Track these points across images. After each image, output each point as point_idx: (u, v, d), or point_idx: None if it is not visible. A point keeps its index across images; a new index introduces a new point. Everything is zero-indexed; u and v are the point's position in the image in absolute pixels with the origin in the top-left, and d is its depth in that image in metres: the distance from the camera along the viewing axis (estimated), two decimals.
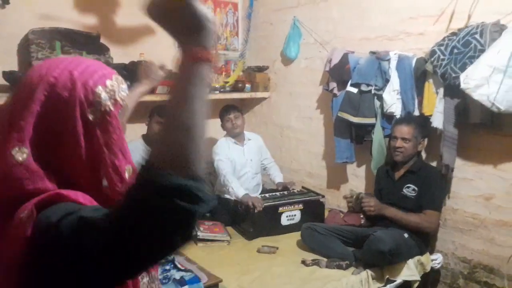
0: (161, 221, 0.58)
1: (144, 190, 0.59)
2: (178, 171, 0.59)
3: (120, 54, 3.07)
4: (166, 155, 0.60)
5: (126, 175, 0.77)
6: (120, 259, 0.60)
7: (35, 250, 0.64)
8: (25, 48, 2.75)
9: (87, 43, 2.91)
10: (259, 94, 3.85)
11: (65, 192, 0.70)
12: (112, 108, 0.77)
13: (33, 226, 0.65)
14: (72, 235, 0.62)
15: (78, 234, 0.62)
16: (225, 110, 3.32)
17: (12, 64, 2.74)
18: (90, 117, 0.75)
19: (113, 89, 0.79)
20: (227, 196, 3.23)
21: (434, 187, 2.53)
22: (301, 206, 3.02)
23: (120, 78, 0.82)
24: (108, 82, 0.79)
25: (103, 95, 0.77)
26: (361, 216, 2.88)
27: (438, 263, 2.64)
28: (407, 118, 2.66)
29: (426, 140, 2.64)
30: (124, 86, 0.82)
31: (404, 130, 2.56)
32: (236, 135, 3.34)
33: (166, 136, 0.62)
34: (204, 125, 0.63)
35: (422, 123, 2.62)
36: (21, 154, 0.70)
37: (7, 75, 2.61)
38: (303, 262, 2.50)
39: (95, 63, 0.81)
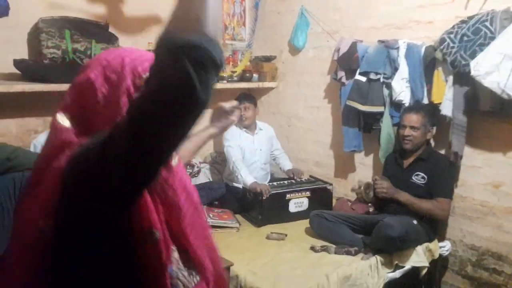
0: (176, 83, 0.58)
1: (158, 58, 0.60)
2: (191, 31, 0.59)
3: (129, 44, 3.07)
4: (179, 17, 0.61)
5: (173, 163, 0.81)
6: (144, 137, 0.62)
7: (65, 190, 0.71)
8: (35, 36, 2.76)
9: (96, 32, 2.92)
10: (266, 84, 3.85)
11: None
12: None
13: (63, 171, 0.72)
14: (95, 146, 0.68)
15: (100, 143, 0.67)
16: (238, 99, 3.32)
17: (22, 52, 2.76)
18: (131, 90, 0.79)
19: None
20: (235, 184, 3.26)
21: (444, 175, 2.54)
22: (308, 193, 3.04)
23: None
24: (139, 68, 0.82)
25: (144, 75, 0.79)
26: (369, 205, 2.90)
27: (447, 250, 2.65)
28: (415, 106, 2.66)
29: (435, 128, 2.65)
30: None
31: (413, 119, 2.57)
32: (245, 126, 3.35)
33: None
34: None
35: (431, 111, 2.62)
36: (62, 119, 0.79)
37: (18, 63, 2.63)
38: (312, 248, 2.52)
39: (149, 55, 0.83)
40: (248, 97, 3.39)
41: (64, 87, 2.58)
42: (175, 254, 0.84)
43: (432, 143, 2.75)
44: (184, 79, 0.58)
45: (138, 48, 0.87)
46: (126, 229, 0.75)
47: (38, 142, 2.63)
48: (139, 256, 0.76)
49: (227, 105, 1.36)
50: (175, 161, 0.82)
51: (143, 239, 0.76)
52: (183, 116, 0.62)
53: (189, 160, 1.41)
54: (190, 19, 0.60)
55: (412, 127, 2.57)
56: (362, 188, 2.76)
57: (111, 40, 2.97)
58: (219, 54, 0.61)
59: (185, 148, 1.33)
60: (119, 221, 0.73)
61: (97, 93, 0.78)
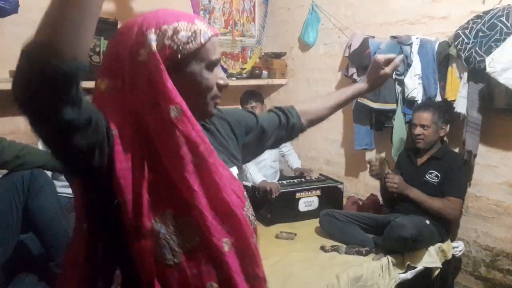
0: (29, 80, 0.64)
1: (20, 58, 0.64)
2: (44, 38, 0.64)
3: None
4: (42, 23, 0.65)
5: (172, 115, 0.80)
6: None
7: None
8: None
9: (104, 28, 2.90)
10: (276, 81, 3.82)
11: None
12: (154, 49, 0.80)
13: None
14: None
15: None
16: (245, 98, 3.29)
17: None
18: (139, 58, 0.80)
19: (164, 33, 0.81)
20: (244, 182, 3.23)
21: (458, 174, 2.49)
22: (318, 192, 3.00)
23: (188, 25, 0.84)
24: (164, 27, 0.82)
25: (150, 37, 0.80)
26: (380, 203, 2.86)
27: (460, 251, 2.60)
28: (425, 104, 2.61)
29: (448, 125, 2.59)
30: (183, 33, 0.83)
31: (423, 116, 2.51)
32: None
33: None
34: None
35: (443, 108, 2.56)
36: (101, 83, 0.84)
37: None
38: (322, 248, 2.48)
39: (176, 13, 0.87)
40: (254, 95, 3.35)
41: None
42: (168, 217, 0.84)
43: (446, 141, 2.70)
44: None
45: (172, 10, 0.88)
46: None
47: None
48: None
49: (381, 57, 1.31)
50: (174, 113, 0.80)
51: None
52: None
53: (326, 116, 1.38)
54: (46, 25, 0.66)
55: (422, 126, 2.52)
56: (377, 160, 2.66)
57: None
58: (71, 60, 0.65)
59: (323, 102, 1.34)
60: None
61: (113, 55, 0.84)
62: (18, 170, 1.90)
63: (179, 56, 0.83)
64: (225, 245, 0.85)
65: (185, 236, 0.84)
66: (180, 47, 0.83)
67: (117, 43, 0.84)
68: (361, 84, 1.34)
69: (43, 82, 0.63)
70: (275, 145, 1.26)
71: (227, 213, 0.86)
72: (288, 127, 1.24)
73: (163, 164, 0.82)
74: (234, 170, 1.02)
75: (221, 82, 0.92)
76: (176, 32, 0.83)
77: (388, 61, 1.30)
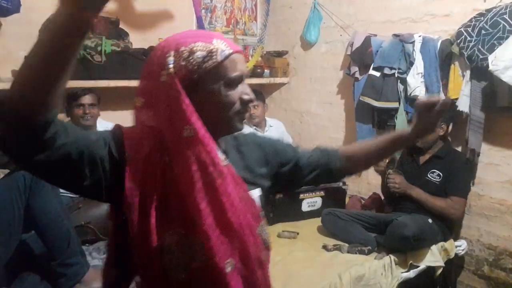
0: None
1: None
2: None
3: (139, 39, 3.06)
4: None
5: (185, 134, 0.84)
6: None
7: None
8: None
9: (106, 28, 2.91)
10: (278, 80, 3.81)
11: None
12: (171, 71, 0.84)
13: None
14: None
15: None
16: None
17: None
18: (160, 79, 0.86)
19: (180, 55, 0.86)
20: None
21: (461, 173, 2.47)
22: (322, 193, 2.99)
23: (204, 45, 0.88)
24: (182, 48, 0.86)
25: (169, 60, 0.85)
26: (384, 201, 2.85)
27: (463, 250, 2.59)
28: None
29: (451, 124, 2.58)
30: (199, 53, 0.87)
31: None
32: (255, 124, 3.32)
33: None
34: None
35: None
36: (137, 100, 0.90)
37: None
38: (324, 247, 2.48)
39: (197, 33, 0.92)
40: (256, 94, 3.28)
41: (74, 83, 2.59)
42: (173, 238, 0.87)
43: (449, 140, 2.68)
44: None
45: (200, 30, 0.92)
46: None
47: None
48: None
49: (422, 102, 1.16)
50: (187, 133, 0.85)
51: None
52: None
53: (367, 167, 1.33)
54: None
55: None
56: (395, 173, 2.63)
57: (121, 36, 2.96)
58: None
59: (366, 145, 1.24)
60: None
61: (144, 71, 0.91)
62: (19, 170, 1.90)
63: (195, 76, 0.87)
64: (228, 266, 0.87)
65: (192, 254, 0.86)
66: (196, 67, 0.87)
67: (147, 65, 0.90)
68: (404, 132, 1.20)
69: (16, 133, 0.72)
70: (313, 183, 1.24)
71: (231, 234, 0.87)
72: (325, 169, 1.20)
73: (175, 182, 0.86)
74: (256, 192, 1.04)
75: (245, 97, 0.93)
76: (192, 52, 0.87)
77: (431, 105, 1.13)
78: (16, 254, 1.87)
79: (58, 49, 0.70)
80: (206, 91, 0.89)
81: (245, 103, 0.93)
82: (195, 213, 0.85)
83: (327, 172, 1.20)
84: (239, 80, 0.92)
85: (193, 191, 0.84)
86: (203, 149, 0.85)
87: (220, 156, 0.88)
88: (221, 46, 0.89)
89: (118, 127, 0.91)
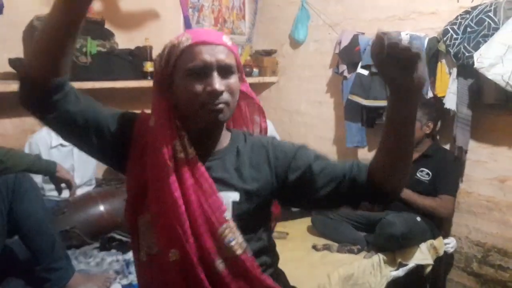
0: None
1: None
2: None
3: (125, 40, 3.03)
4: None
5: (150, 123, 1.01)
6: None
7: None
8: (30, 34, 2.71)
9: (91, 28, 2.86)
10: (267, 79, 3.79)
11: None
12: (153, 69, 1.05)
13: None
14: None
15: None
16: None
17: (18, 50, 2.71)
18: (154, 78, 1.01)
19: (160, 54, 0.98)
20: None
21: (449, 171, 2.47)
22: None
23: (172, 41, 0.97)
24: (163, 48, 0.99)
25: (157, 59, 0.99)
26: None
27: (452, 247, 2.60)
28: None
29: (439, 122, 2.57)
30: (167, 50, 0.98)
31: None
32: None
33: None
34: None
35: (428, 104, 2.53)
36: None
37: (13, 62, 2.59)
38: (314, 247, 2.47)
39: (182, 32, 1.01)
40: None
41: None
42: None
43: (437, 138, 2.68)
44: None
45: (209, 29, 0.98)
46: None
47: (33, 140, 2.60)
48: None
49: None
50: (152, 122, 0.97)
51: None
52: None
53: (393, 165, 1.01)
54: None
55: None
56: None
57: (107, 36, 2.92)
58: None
59: (378, 150, 1.03)
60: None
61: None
62: (2, 174, 1.87)
63: (168, 72, 0.96)
64: (173, 255, 0.94)
65: (152, 240, 0.97)
66: (164, 63, 0.96)
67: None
68: (388, 104, 0.95)
69: (31, 93, 0.91)
70: (330, 202, 1.03)
71: (173, 226, 0.93)
72: (346, 180, 1.01)
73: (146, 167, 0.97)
74: (234, 195, 0.99)
75: (207, 88, 0.92)
76: (163, 50, 0.97)
77: (379, 49, 0.83)
78: (0, 259, 1.84)
79: (62, 21, 0.83)
80: (175, 85, 0.96)
81: (210, 95, 0.92)
82: (148, 201, 0.96)
83: (348, 184, 1.00)
84: (201, 70, 0.91)
85: (146, 178, 0.96)
86: (155, 140, 0.94)
87: (178, 148, 0.94)
88: (183, 38, 0.94)
89: (142, 112, 1.04)
